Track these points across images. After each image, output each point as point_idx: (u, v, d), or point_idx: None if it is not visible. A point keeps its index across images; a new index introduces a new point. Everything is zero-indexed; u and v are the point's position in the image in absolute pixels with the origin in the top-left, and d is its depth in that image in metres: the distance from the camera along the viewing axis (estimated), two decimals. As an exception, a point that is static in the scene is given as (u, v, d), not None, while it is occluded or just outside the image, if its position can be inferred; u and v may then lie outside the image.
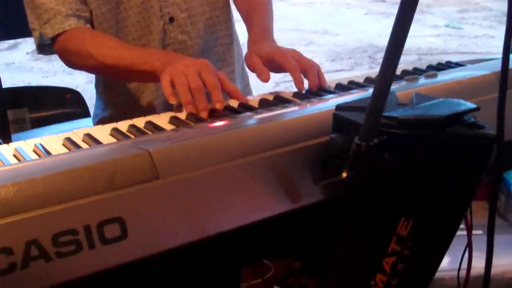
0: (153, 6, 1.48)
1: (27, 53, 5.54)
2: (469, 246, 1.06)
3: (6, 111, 2.02)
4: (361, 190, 0.84)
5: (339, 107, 0.90)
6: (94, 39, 1.40)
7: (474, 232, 1.07)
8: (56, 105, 2.25)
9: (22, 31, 1.78)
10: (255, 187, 0.88)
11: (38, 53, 1.53)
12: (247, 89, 1.79)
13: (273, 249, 0.98)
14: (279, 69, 1.33)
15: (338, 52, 6.71)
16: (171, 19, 1.50)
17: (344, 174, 0.83)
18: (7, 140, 1.99)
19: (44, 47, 1.49)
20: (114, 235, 0.77)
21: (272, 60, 1.33)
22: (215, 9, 1.58)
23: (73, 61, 1.47)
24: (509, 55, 0.76)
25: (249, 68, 1.38)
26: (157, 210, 0.80)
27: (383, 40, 7.26)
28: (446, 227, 0.89)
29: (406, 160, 0.82)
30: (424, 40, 7.41)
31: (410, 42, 7.42)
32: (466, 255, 1.08)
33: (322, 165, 0.92)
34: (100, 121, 1.66)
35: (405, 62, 6.27)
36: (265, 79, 1.28)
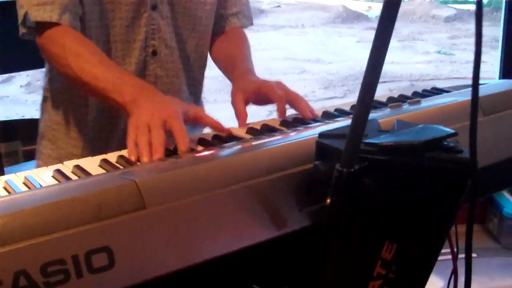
0: (138, 35, 1.47)
1: (21, 86, 5.58)
2: (454, 270, 1.07)
3: (-1, 145, 2.04)
4: (344, 216, 0.85)
5: (322, 135, 0.92)
6: (75, 46, 1.35)
7: (461, 256, 1.08)
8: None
9: (16, 65, 1.77)
10: (241, 214, 0.89)
11: (20, 35, 1.43)
12: None
13: (261, 276, 0.99)
14: (266, 101, 1.36)
15: (331, 79, 6.77)
16: (154, 53, 1.50)
17: (328, 201, 0.85)
18: (0, 173, 2.01)
19: (25, 31, 1.42)
20: (102, 264, 0.78)
21: (259, 93, 1.36)
22: (197, 54, 1.60)
23: (52, 63, 1.43)
24: (478, 84, 0.79)
25: (232, 104, 1.39)
26: (144, 239, 0.81)
27: (375, 67, 7.32)
28: (429, 250, 0.91)
29: (387, 185, 0.84)
30: (416, 66, 7.49)
31: (402, 68, 7.51)
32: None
33: (307, 192, 0.94)
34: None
35: (397, 88, 6.33)
36: (242, 123, 1.29)
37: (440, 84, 1.55)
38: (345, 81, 6.75)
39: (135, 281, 0.81)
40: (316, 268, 0.92)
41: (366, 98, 0.77)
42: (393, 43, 9.07)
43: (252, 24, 1.74)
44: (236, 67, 1.52)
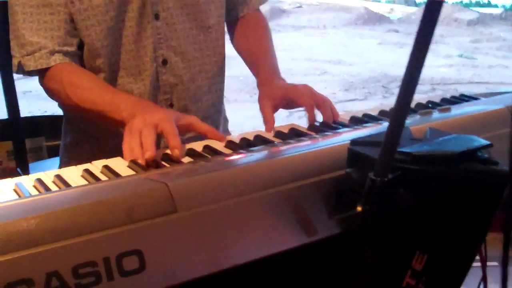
0: (146, 47, 1.46)
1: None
2: (484, 279, 1.06)
3: (24, 140, 2.05)
4: (375, 225, 0.85)
5: (354, 142, 0.92)
6: (71, 78, 1.39)
7: (489, 264, 1.07)
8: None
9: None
10: (271, 220, 0.89)
11: (15, 72, 1.47)
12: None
13: (290, 283, 0.99)
14: (293, 105, 1.36)
15: (352, 81, 6.75)
16: (164, 62, 1.49)
17: (359, 208, 0.85)
18: (25, 169, 2.02)
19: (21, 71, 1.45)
20: (133, 267, 0.78)
21: (286, 98, 1.35)
22: (211, 55, 1.58)
23: (53, 98, 1.46)
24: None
25: (260, 110, 1.38)
26: (174, 243, 0.81)
27: (397, 70, 7.29)
28: (461, 261, 0.90)
29: (420, 195, 0.83)
30: (438, 70, 7.43)
31: (424, 72, 7.37)
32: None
33: (337, 199, 0.93)
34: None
35: (419, 92, 6.27)
36: (269, 128, 1.28)
37: (461, 88, 1.55)
38: (366, 83, 6.72)
39: (165, 284, 0.81)
40: (346, 276, 0.92)
41: (403, 108, 0.76)
42: (415, 46, 9.00)
43: None
44: (260, 67, 1.51)
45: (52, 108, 5.19)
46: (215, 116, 1.65)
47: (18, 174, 2.02)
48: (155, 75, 1.48)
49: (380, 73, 7.14)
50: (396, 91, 5.10)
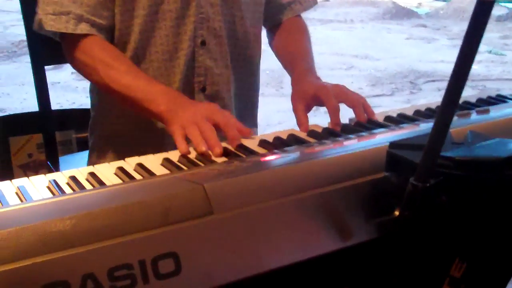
0: (186, 25, 1.44)
1: (72, 73, 5.64)
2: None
3: (54, 133, 2.05)
4: (414, 230, 0.83)
5: (393, 145, 0.90)
6: (104, 57, 1.36)
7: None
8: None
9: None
10: (307, 224, 0.88)
11: (35, 28, 1.42)
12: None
13: None
14: (323, 105, 1.34)
15: (379, 76, 6.68)
16: (203, 43, 1.47)
17: (397, 213, 0.83)
18: (55, 162, 2.02)
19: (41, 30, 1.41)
20: (168, 270, 0.77)
21: (317, 97, 1.33)
22: (248, 41, 1.56)
23: (77, 69, 1.43)
24: None
25: (293, 110, 1.36)
26: (210, 245, 0.80)
27: (424, 65, 7.22)
28: (501, 269, 0.88)
29: (462, 201, 0.81)
30: (466, 66, 7.33)
31: (451, 67, 7.35)
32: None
33: (374, 203, 0.91)
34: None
35: (446, 87, 6.22)
36: (304, 130, 1.26)
37: (490, 85, 1.51)
38: (393, 78, 6.65)
39: (201, 288, 0.80)
40: (382, 282, 0.90)
41: (449, 112, 0.73)
42: (443, 41, 8.93)
43: (316, 2, 1.69)
44: (296, 66, 1.49)
45: (80, 100, 5.19)
46: (248, 108, 1.64)
47: (48, 167, 2.03)
48: (191, 55, 1.46)
49: (407, 68, 7.06)
50: (423, 87, 5.02)
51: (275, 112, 4.20)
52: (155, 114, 1.25)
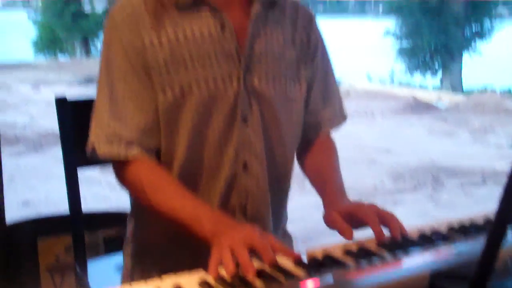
0: (229, 149, 1.47)
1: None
2: None
3: (84, 236, 2.06)
4: None
5: (435, 276, 0.89)
6: (152, 179, 1.41)
7: None
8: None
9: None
10: None
11: (88, 153, 1.46)
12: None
13: None
14: (358, 224, 1.35)
15: (401, 171, 6.68)
16: (245, 166, 1.49)
17: None
18: (83, 265, 2.02)
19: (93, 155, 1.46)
20: None
21: (352, 215, 1.35)
22: (286, 162, 1.59)
23: (127, 189, 1.48)
24: None
25: (329, 226, 1.37)
26: None
27: (446, 160, 7.22)
28: None
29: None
30: (488, 161, 7.33)
31: (474, 163, 7.35)
32: None
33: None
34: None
35: (469, 183, 6.19)
36: (349, 237, 1.28)
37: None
38: (415, 173, 6.64)
39: None
40: None
41: (496, 243, 0.73)
42: (464, 135, 8.96)
43: (345, 118, 1.72)
44: (328, 189, 1.52)
45: (104, 192, 5.20)
46: (282, 220, 1.67)
47: (75, 270, 2.03)
48: (232, 179, 1.49)
49: (429, 163, 7.07)
50: (446, 182, 4.99)
51: (298, 209, 4.20)
52: (199, 235, 1.29)
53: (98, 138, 1.43)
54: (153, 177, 1.42)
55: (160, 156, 1.48)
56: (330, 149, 1.68)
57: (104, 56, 1.46)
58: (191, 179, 1.48)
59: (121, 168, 1.44)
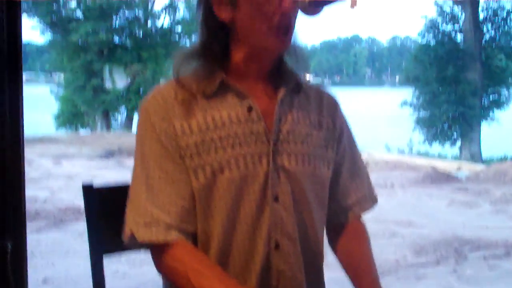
0: (261, 229, 1.47)
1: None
2: None
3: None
4: None
5: None
6: (195, 264, 1.41)
7: None
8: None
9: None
10: None
11: (125, 242, 1.49)
12: None
13: None
14: None
15: (423, 244, 6.59)
16: (277, 246, 1.49)
17: None
18: None
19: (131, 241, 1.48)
20: None
21: None
22: (318, 242, 1.59)
23: (167, 275, 1.47)
24: None
25: None
26: None
27: (468, 232, 7.12)
28: None
29: None
30: (511, 232, 7.22)
31: (497, 234, 7.24)
32: None
33: None
34: None
35: (492, 256, 6.08)
36: None
37: None
38: (438, 246, 6.55)
39: None
40: None
41: None
42: (486, 206, 8.85)
43: (376, 202, 1.73)
44: (365, 283, 1.53)
45: (122, 268, 5.15)
46: None
47: None
48: (265, 259, 1.49)
49: (451, 235, 6.97)
50: (469, 255, 4.91)
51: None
52: None
53: (137, 224, 1.44)
54: (195, 261, 1.42)
55: (196, 238, 1.49)
56: (362, 235, 1.68)
57: (139, 144, 1.50)
58: (227, 261, 1.49)
59: (160, 254, 1.45)
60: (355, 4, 1.31)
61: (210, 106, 1.49)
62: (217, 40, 1.50)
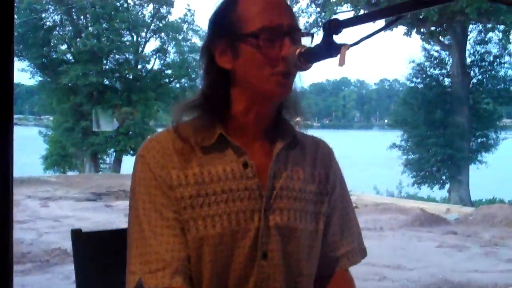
0: (248, 284, 1.49)
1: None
2: None
3: None
4: None
5: None
6: None
7: None
8: None
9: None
10: None
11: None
12: None
13: None
14: None
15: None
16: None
17: None
18: None
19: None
20: None
21: None
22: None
23: None
24: None
25: None
26: None
27: (458, 275, 7.11)
28: None
29: None
30: (501, 275, 7.21)
31: (487, 277, 7.23)
32: None
33: None
34: None
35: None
36: None
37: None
38: (427, 289, 6.54)
39: None
40: None
41: None
42: (475, 249, 8.83)
43: (365, 255, 1.72)
44: None
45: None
46: None
47: None
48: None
49: (441, 279, 6.96)
50: (459, 300, 4.85)
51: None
52: None
53: (142, 271, 1.45)
54: None
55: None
56: (349, 287, 1.67)
57: (138, 192, 1.50)
58: None
59: None
60: (344, 63, 1.34)
61: (206, 159, 1.51)
62: (218, 88, 1.52)
